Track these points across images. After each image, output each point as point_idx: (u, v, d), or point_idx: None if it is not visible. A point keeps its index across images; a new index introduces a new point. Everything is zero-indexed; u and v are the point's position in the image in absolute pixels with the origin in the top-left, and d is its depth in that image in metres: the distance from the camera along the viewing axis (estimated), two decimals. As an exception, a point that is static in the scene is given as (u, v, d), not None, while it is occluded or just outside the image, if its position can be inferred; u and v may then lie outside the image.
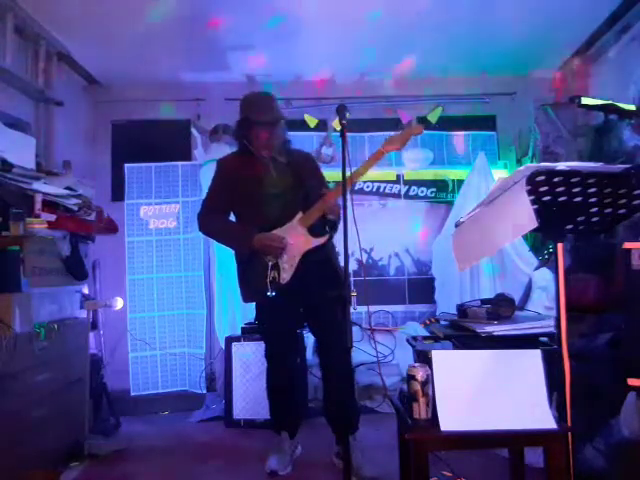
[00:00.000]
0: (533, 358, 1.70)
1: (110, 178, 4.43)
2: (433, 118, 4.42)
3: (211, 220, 2.67)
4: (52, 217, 2.60)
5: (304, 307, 2.66)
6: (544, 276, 3.35)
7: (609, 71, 3.77)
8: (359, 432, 2.66)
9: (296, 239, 2.51)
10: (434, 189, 4.35)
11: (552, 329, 2.02)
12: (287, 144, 2.68)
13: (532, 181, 1.67)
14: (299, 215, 2.52)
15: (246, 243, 2.52)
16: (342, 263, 1.92)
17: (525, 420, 1.59)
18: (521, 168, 1.74)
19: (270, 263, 2.52)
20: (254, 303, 2.74)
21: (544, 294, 3.30)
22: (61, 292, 2.79)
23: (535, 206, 1.65)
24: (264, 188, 2.58)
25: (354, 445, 2.50)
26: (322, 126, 4.33)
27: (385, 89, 4.38)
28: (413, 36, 3.68)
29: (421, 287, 4.29)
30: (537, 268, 3.52)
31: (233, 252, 2.69)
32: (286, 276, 2.51)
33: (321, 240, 2.52)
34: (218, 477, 2.63)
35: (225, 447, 3.04)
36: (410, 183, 4.36)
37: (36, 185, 2.60)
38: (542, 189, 1.69)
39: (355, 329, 3.66)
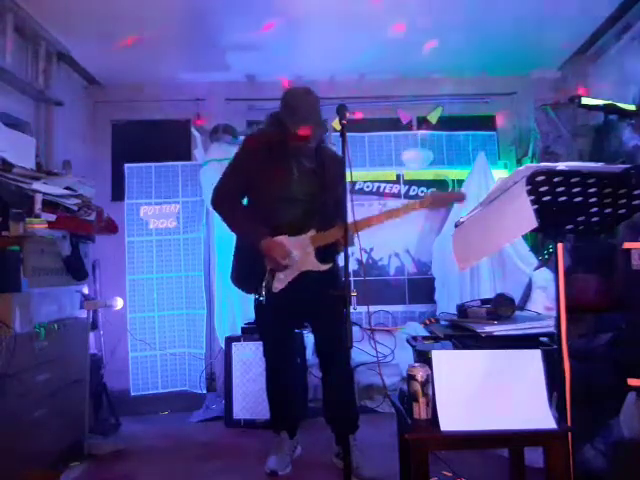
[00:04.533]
0: (533, 358, 1.69)
1: (110, 178, 4.44)
2: (433, 118, 4.42)
3: (227, 202, 2.58)
4: (52, 217, 2.59)
5: (304, 307, 2.67)
6: (544, 276, 3.35)
7: (609, 71, 3.77)
8: (359, 432, 2.66)
9: (301, 255, 2.48)
10: (434, 189, 4.34)
11: (552, 329, 2.02)
12: (321, 145, 2.56)
13: (532, 181, 1.67)
14: (312, 232, 2.48)
15: (254, 242, 2.48)
16: (342, 263, 1.92)
17: (525, 420, 1.59)
18: (521, 168, 1.74)
19: (269, 267, 2.51)
20: (254, 303, 2.74)
21: (544, 294, 3.29)
22: (61, 292, 2.78)
23: (535, 206, 1.65)
24: (283, 190, 2.51)
25: (354, 445, 2.51)
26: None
27: (385, 89, 4.38)
28: (413, 36, 3.68)
29: (421, 287, 4.29)
30: (537, 268, 3.52)
31: (235, 236, 2.66)
32: (279, 285, 2.50)
33: (324, 267, 2.49)
34: (218, 477, 2.63)
35: (225, 447, 3.04)
36: (410, 183, 4.36)
37: (36, 185, 2.59)
38: (542, 189, 1.69)
39: (355, 329, 3.66)
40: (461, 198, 2.52)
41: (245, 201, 2.67)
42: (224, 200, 2.59)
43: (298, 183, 2.53)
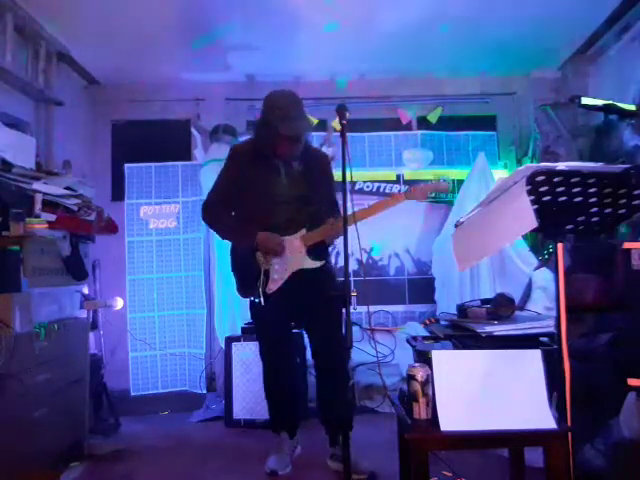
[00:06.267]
0: (533, 358, 1.70)
1: (110, 178, 4.44)
2: (433, 118, 4.42)
3: (217, 213, 2.64)
4: (52, 217, 2.60)
5: (300, 307, 2.66)
6: (544, 276, 3.35)
7: (609, 71, 3.77)
8: (358, 432, 2.64)
9: (293, 254, 2.51)
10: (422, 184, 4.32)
11: (552, 329, 2.02)
12: (306, 145, 2.59)
13: (532, 181, 1.67)
14: (302, 232, 2.51)
15: (249, 241, 2.51)
16: (342, 263, 1.92)
17: (525, 420, 1.59)
18: (521, 168, 1.74)
19: (263, 269, 2.52)
20: (249, 303, 2.75)
21: (544, 294, 3.29)
22: (61, 292, 2.78)
23: (535, 206, 1.65)
24: (273, 194, 2.53)
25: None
26: (322, 126, 4.33)
27: (385, 89, 4.38)
28: (413, 36, 3.68)
29: (421, 287, 4.29)
30: (537, 268, 3.52)
31: (230, 244, 2.70)
32: (273, 287, 2.52)
33: (316, 264, 2.52)
34: (218, 477, 2.63)
35: (225, 447, 3.04)
36: (410, 183, 4.34)
37: (36, 185, 2.60)
38: (542, 189, 1.69)
39: (355, 329, 3.66)
40: (443, 189, 2.58)
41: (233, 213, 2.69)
42: (213, 212, 2.64)
43: (287, 186, 2.54)
